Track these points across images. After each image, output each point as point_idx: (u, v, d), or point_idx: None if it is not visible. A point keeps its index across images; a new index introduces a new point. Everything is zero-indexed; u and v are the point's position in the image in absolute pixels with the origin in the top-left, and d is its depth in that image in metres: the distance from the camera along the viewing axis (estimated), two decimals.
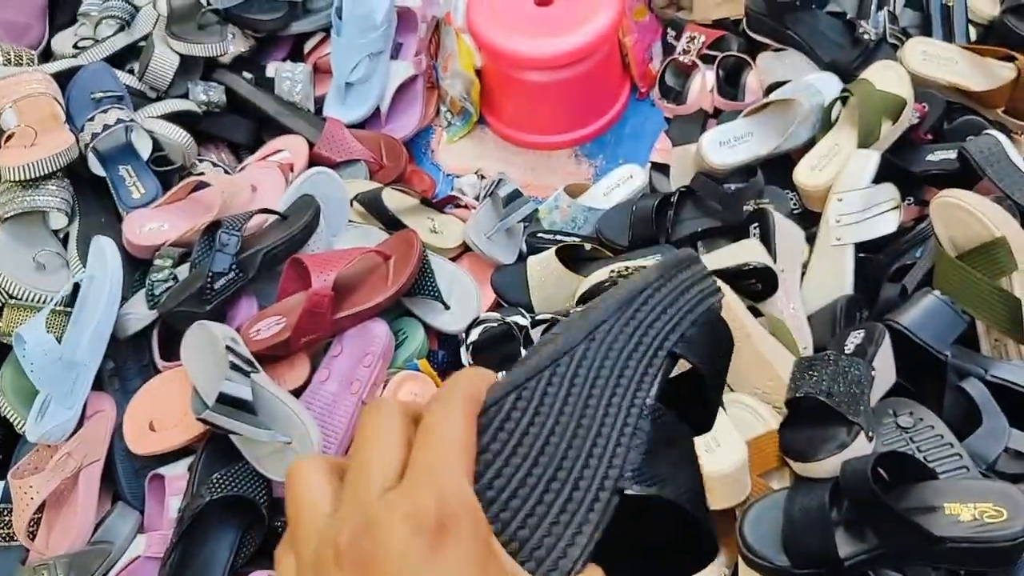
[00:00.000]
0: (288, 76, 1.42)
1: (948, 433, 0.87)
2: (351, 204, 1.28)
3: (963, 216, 0.97)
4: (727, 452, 0.84)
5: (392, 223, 1.24)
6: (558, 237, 1.24)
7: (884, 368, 0.90)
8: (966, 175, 1.07)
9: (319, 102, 1.45)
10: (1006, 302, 0.94)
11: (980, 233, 0.96)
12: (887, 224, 1.08)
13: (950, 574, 0.83)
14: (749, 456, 0.86)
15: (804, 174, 1.15)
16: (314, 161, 1.33)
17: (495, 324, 1.09)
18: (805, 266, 1.10)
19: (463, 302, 1.15)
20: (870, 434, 0.83)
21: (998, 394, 0.91)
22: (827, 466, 0.81)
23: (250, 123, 1.41)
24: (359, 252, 1.12)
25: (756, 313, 1.02)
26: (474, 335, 1.09)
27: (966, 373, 0.94)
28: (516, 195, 1.25)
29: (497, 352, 1.05)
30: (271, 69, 1.44)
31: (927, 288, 0.97)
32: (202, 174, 1.27)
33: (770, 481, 0.89)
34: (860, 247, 1.09)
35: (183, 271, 1.15)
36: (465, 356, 1.08)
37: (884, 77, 1.17)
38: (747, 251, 1.03)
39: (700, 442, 0.39)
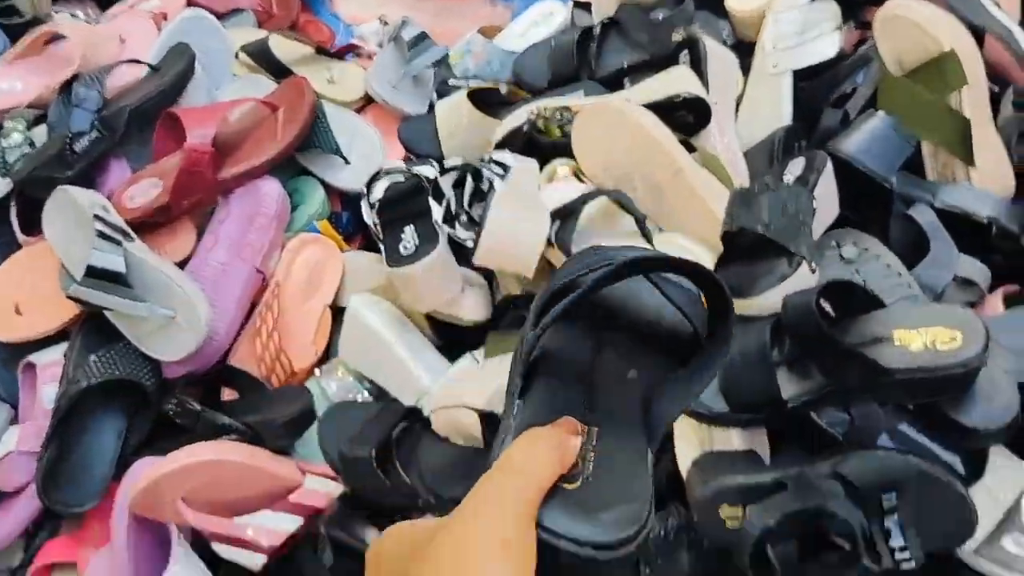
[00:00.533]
0: None
1: (896, 261, 0.80)
2: (236, 56, 1.13)
3: (910, 29, 0.88)
4: None
5: (283, 74, 1.10)
6: (472, 84, 1.12)
7: (826, 197, 0.81)
8: None
9: None
10: (954, 121, 0.87)
11: (928, 48, 0.87)
12: (828, 47, 0.98)
13: (897, 410, 0.77)
14: None
15: None
16: None
17: (401, 178, 0.98)
18: (740, 97, 1.00)
19: (366, 156, 1.03)
20: (813, 265, 0.75)
21: (946, 221, 0.85)
22: (767, 301, 0.73)
23: None
24: (241, 103, 0.98)
25: (689, 149, 0.92)
26: (378, 191, 0.97)
27: (913, 200, 0.87)
28: (423, 38, 1.12)
29: (405, 207, 0.94)
30: None
31: (871, 110, 0.88)
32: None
33: None
34: (798, 75, 0.99)
35: (41, 134, 1.00)
36: (368, 215, 0.97)
37: None
38: (677, 80, 0.93)
39: None
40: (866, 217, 0.86)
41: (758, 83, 0.99)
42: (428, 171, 0.97)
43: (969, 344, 0.68)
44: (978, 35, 0.90)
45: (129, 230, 0.92)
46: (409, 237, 0.90)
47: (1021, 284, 0.85)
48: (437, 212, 0.90)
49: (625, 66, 1.04)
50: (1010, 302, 0.84)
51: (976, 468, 0.74)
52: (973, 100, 0.87)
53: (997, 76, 0.92)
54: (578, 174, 0.92)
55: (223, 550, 0.81)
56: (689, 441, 0.76)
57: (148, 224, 0.95)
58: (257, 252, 0.95)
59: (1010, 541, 0.73)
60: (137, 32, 1.12)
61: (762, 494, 0.69)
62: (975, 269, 0.83)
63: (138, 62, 1.03)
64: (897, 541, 0.70)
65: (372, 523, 0.79)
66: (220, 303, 0.92)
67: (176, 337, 0.88)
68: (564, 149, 0.92)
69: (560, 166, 0.93)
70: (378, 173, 0.97)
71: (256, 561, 0.83)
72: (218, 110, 0.96)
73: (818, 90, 0.99)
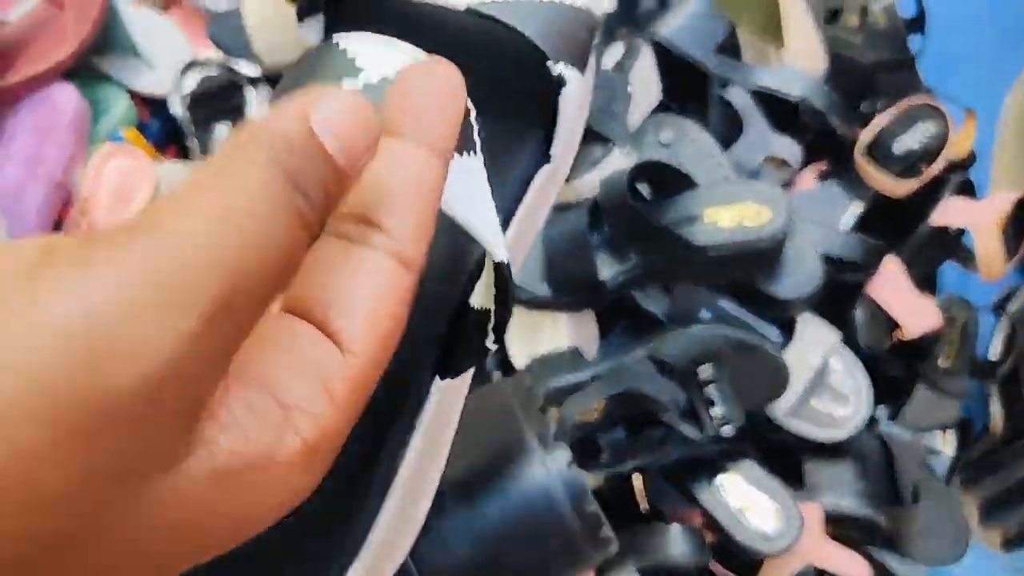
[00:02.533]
0: None
1: (711, 144, 0.81)
2: None
3: None
4: None
5: None
6: None
7: (644, 82, 0.82)
8: None
9: None
10: (763, 4, 0.88)
11: None
12: None
13: (717, 287, 0.80)
14: None
15: None
16: None
17: (215, 72, 0.91)
18: None
19: (170, 57, 0.96)
20: (626, 149, 0.76)
21: (765, 101, 0.87)
22: (583, 185, 0.74)
23: None
24: (20, 1, 0.89)
25: None
26: (190, 83, 0.91)
27: (729, 82, 0.88)
28: None
29: (219, 103, 0.88)
30: None
31: None
32: None
33: None
34: None
35: None
36: (179, 109, 0.91)
37: None
38: None
39: None
40: (687, 101, 0.87)
41: None
42: (244, 67, 0.91)
43: (775, 218, 0.70)
44: None
45: None
46: (223, 136, 0.85)
47: (831, 162, 0.89)
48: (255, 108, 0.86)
49: None
50: (824, 179, 0.87)
51: (787, 335, 0.78)
52: None
53: None
54: None
55: None
56: (519, 337, 0.76)
57: None
58: (56, 166, 0.87)
59: (819, 401, 0.78)
60: None
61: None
62: (787, 148, 0.86)
63: None
64: (718, 409, 0.73)
65: None
66: (18, 226, 0.85)
67: None
68: None
69: None
70: (191, 64, 0.91)
71: None
72: None
73: None
